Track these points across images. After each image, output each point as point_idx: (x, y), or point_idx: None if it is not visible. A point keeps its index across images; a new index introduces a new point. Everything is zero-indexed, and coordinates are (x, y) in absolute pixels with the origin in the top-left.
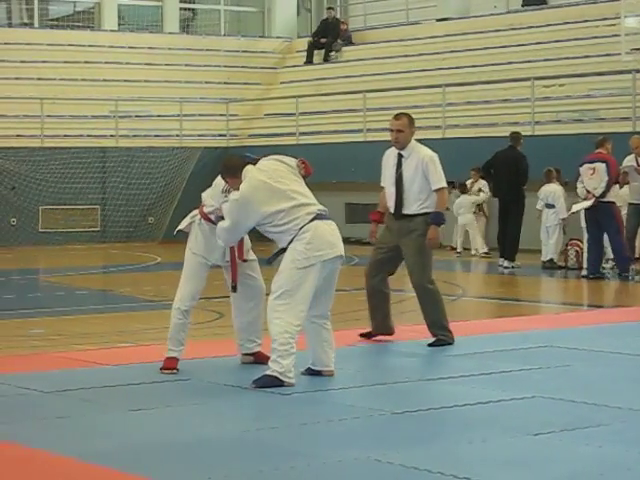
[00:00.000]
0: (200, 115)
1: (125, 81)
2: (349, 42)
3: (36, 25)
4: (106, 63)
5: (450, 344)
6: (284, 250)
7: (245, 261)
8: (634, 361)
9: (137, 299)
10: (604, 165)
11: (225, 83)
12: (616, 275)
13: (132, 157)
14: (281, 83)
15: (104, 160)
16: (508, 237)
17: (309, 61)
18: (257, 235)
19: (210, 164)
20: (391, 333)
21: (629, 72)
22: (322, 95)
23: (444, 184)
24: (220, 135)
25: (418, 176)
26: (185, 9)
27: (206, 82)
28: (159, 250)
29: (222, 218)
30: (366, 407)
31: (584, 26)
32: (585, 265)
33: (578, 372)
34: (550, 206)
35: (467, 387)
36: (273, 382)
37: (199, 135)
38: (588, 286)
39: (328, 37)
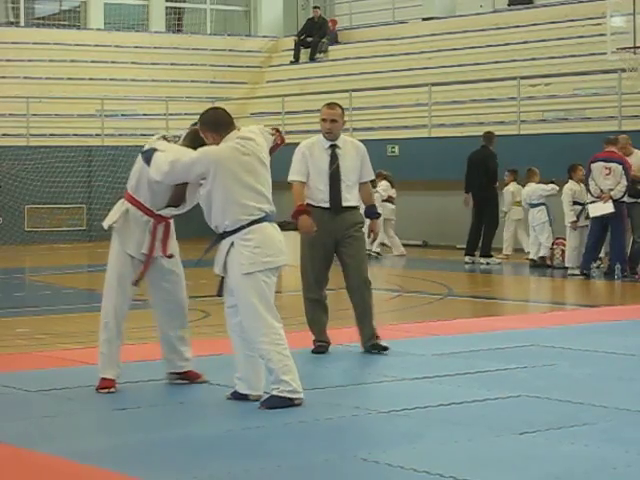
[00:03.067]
0: (186, 114)
1: (111, 80)
2: (335, 41)
3: (22, 24)
4: (92, 62)
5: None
6: (219, 240)
7: (170, 257)
8: (619, 360)
9: None
10: (621, 167)
11: (211, 82)
12: (602, 274)
13: (118, 156)
14: (267, 82)
15: (90, 159)
16: (484, 235)
17: (295, 60)
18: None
19: None
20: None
21: (615, 71)
22: (308, 94)
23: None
24: None
25: (357, 167)
26: (171, 8)
27: (192, 81)
28: None
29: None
30: (352, 406)
31: (570, 25)
32: (569, 263)
33: (564, 371)
34: (534, 205)
35: (453, 386)
36: (283, 402)
37: None
38: (574, 285)
39: (314, 36)
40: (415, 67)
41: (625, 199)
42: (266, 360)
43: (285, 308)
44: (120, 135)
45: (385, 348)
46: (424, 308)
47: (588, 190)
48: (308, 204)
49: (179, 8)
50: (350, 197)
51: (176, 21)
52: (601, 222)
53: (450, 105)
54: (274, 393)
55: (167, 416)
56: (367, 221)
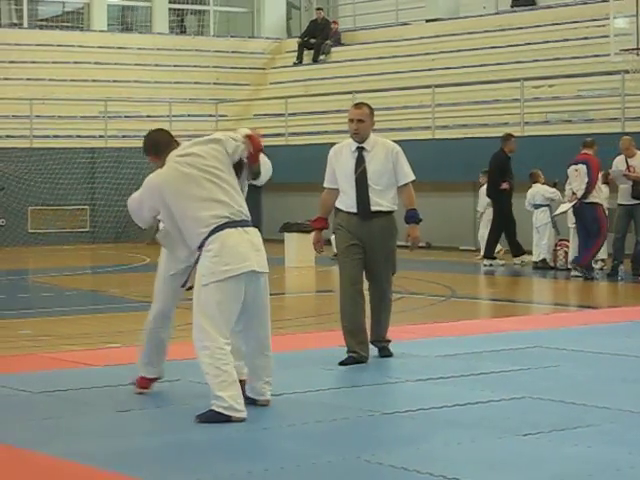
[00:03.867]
0: (189, 116)
1: (114, 82)
2: (338, 43)
3: (25, 25)
4: (95, 64)
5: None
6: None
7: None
8: (623, 361)
9: (126, 300)
10: (585, 167)
11: (214, 84)
12: (605, 276)
13: (121, 158)
14: (270, 84)
15: (93, 161)
16: (487, 236)
17: (298, 62)
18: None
19: None
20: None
21: (618, 73)
22: (311, 96)
23: (414, 176)
24: None
25: (388, 169)
26: (174, 9)
27: (195, 83)
28: (148, 251)
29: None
30: (356, 407)
31: (573, 27)
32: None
33: (567, 373)
34: (538, 206)
35: (456, 388)
36: (219, 417)
37: (189, 136)
38: (577, 287)
39: (317, 38)
40: (418, 69)
41: (594, 200)
42: (204, 374)
43: (288, 309)
44: (123, 137)
45: (391, 355)
46: (427, 310)
47: (563, 195)
48: (338, 209)
49: (182, 10)
50: (382, 202)
51: (179, 23)
52: (581, 223)
53: (453, 107)
54: (212, 408)
55: (171, 418)
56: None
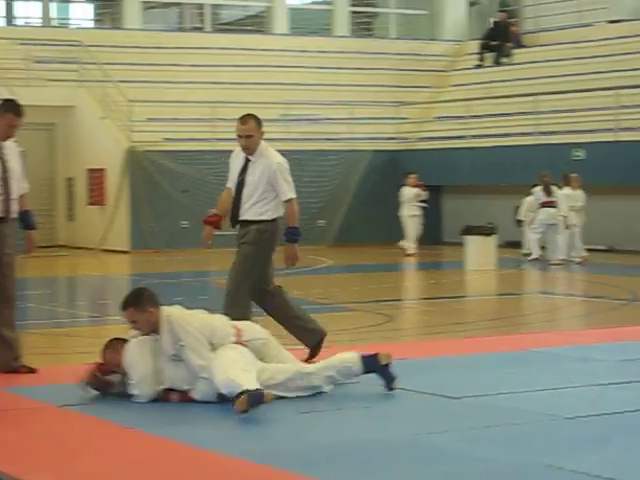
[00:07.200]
0: (370, 118)
1: (296, 85)
2: (520, 45)
3: (208, 29)
4: (277, 67)
5: None
6: None
7: None
8: None
9: (307, 302)
10: None
11: (395, 86)
12: None
13: (303, 160)
14: (452, 86)
15: None
16: None
17: (480, 64)
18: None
19: (380, 167)
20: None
21: None
22: (493, 98)
23: (293, 194)
24: (390, 138)
25: (263, 183)
26: (355, 12)
27: (377, 85)
28: (329, 253)
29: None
30: (537, 412)
31: None
32: None
33: None
34: None
35: (638, 392)
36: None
37: (369, 138)
38: None
39: (499, 40)
40: (602, 70)
41: None
42: None
43: (470, 312)
44: (305, 140)
45: None
46: (608, 314)
47: None
48: None
49: (363, 12)
50: (249, 212)
51: (360, 25)
52: None
53: (638, 109)
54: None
55: (352, 419)
56: None
